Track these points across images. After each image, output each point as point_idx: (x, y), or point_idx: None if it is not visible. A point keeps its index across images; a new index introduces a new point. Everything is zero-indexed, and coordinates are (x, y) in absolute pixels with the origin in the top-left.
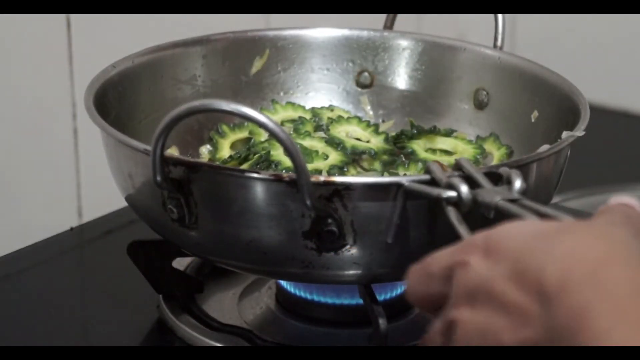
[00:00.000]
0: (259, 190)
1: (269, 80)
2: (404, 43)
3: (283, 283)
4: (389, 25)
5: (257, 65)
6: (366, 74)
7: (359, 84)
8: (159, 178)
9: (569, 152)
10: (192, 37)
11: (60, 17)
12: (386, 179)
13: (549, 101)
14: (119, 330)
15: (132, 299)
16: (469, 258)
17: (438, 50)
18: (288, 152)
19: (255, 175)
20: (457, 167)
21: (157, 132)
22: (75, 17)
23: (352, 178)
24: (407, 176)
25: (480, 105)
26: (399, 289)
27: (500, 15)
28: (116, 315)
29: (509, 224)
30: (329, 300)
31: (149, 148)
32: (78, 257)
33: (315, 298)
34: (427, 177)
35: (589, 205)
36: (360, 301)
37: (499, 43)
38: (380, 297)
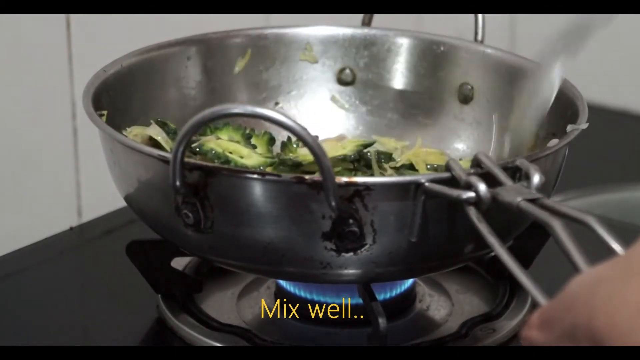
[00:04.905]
0: (280, 193)
1: (253, 80)
2: (385, 39)
3: (282, 283)
4: (367, 23)
5: (240, 64)
6: (348, 71)
7: (341, 82)
8: (178, 183)
9: (567, 151)
10: (175, 39)
11: (60, 17)
12: (406, 178)
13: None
14: (119, 330)
15: (132, 299)
16: (527, 334)
17: (421, 45)
18: (314, 154)
19: (276, 178)
20: (476, 162)
21: (179, 138)
22: (75, 17)
23: (372, 178)
24: (427, 175)
25: (465, 100)
26: (398, 289)
27: (480, 15)
28: (115, 315)
29: (559, 294)
30: (329, 300)
31: (163, 154)
32: (78, 256)
33: (315, 298)
34: (447, 175)
35: (589, 205)
36: (360, 300)
37: (479, 38)
38: (380, 297)
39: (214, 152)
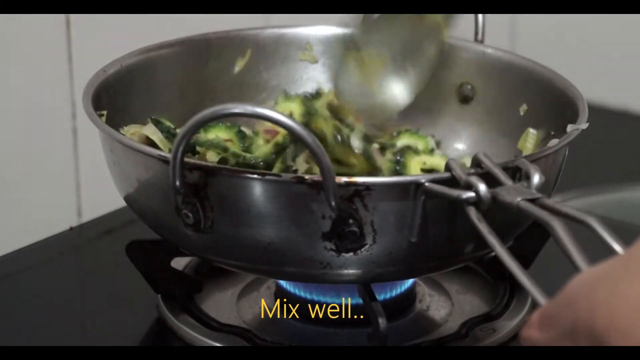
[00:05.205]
0: (280, 193)
1: (252, 80)
2: None
3: (282, 283)
4: None
5: (240, 65)
6: None
7: None
8: (178, 183)
9: (567, 151)
10: (175, 39)
11: (60, 17)
12: (406, 178)
13: (539, 94)
14: (119, 330)
15: (132, 299)
16: (527, 334)
17: None
18: (314, 154)
19: (276, 178)
20: (476, 162)
21: (178, 138)
22: (75, 17)
23: (372, 178)
24: (427, 175)
25: (465, 100)
26: (398, 289)
27: (480, 15)
28: (115, 315)
29: (559, 293)
30: (329, 300)
31: (163, 154)
32: (78, 256)
33: (315, 298)
34: (447, 175)
35: (589, 205)
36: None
37: (479, 37)
38: (380, 297)
39: (211, 142)
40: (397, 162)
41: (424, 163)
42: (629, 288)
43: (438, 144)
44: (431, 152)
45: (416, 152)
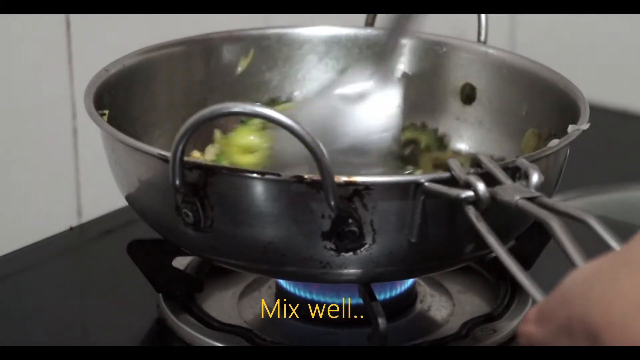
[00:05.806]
0: (279, 192)
1: (255, 80)
2: None
3: (282, 283)
4: (370, 23)
5: (243, 64)
6: None
7: None
8: (177, 182)
9: (568, 151)
10: (177, 39)
11: (60, 17)
12: (405, 178)
13: (540, 95)
14: (119, 329)
15: (132, 299)
16: (524, 329)
17: (423, 46)
18: (313, 154)
19: (275, 177)
20: (475, 162)
21: (178, 137)
22: (75, 17)
23: (371, 178)
24: (426, 174)
25: (467, 100)
26: (398, 289)
27: (483, 15)
28: (116, 315)
29: (556, 289)
30: (329, 300)
31: (163, 153)
32: (78, 256)
33: (315, 298)
34: (446, 174)
35: (589, 205)
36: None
37: (482, 38)
38: (380, 297)
39: None
40: (408, 160)
41: (436, 159)
42: (625, 283)
43: (442, 138)
44: (442, 147)
45: (427, 149)
